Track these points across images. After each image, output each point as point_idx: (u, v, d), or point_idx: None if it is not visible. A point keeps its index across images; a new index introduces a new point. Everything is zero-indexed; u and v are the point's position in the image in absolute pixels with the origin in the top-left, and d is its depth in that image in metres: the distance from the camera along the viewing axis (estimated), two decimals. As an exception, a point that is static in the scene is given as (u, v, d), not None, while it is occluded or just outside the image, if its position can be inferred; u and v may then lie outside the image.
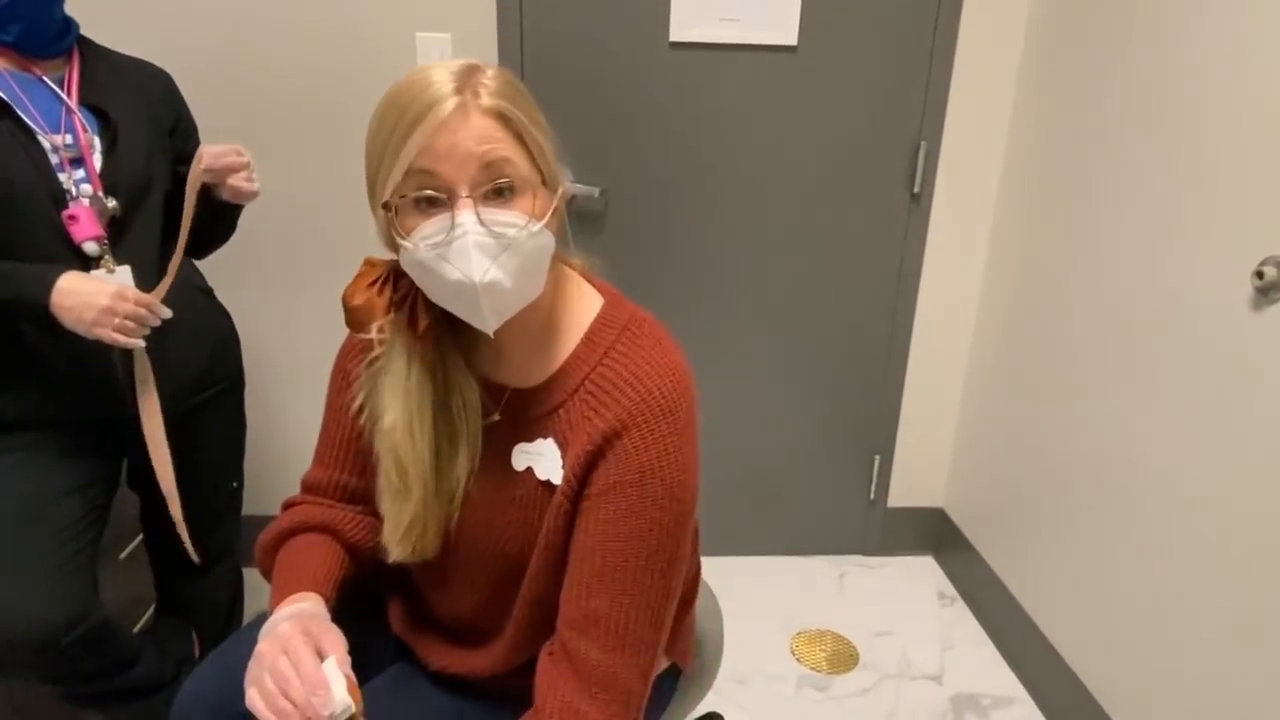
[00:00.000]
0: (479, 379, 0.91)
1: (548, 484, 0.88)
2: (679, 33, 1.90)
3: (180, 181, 1.34)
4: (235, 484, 1.58)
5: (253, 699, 0.78)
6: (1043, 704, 1.85)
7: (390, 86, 0.80)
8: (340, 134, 1.92)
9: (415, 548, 0.92)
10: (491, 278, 0.77)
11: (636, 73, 1.94)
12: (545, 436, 0.89)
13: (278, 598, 0.90)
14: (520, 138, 0.78)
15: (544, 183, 0.81)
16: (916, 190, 2.06)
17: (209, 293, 1.52)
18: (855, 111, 2.00)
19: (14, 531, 1.22)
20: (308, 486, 1.05)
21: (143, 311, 1.20)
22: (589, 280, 0.95)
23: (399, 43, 1.88)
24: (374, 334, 0.86)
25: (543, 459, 0.88)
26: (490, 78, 0.78)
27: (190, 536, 1.43)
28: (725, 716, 1.25)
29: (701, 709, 1.40)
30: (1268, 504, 1.27)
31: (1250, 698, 1.30)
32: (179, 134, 1.41)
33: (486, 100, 0.76)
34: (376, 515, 0.98)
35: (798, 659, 1.99)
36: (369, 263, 0.87)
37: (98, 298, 1.15)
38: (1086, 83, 1.74)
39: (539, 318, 0.88)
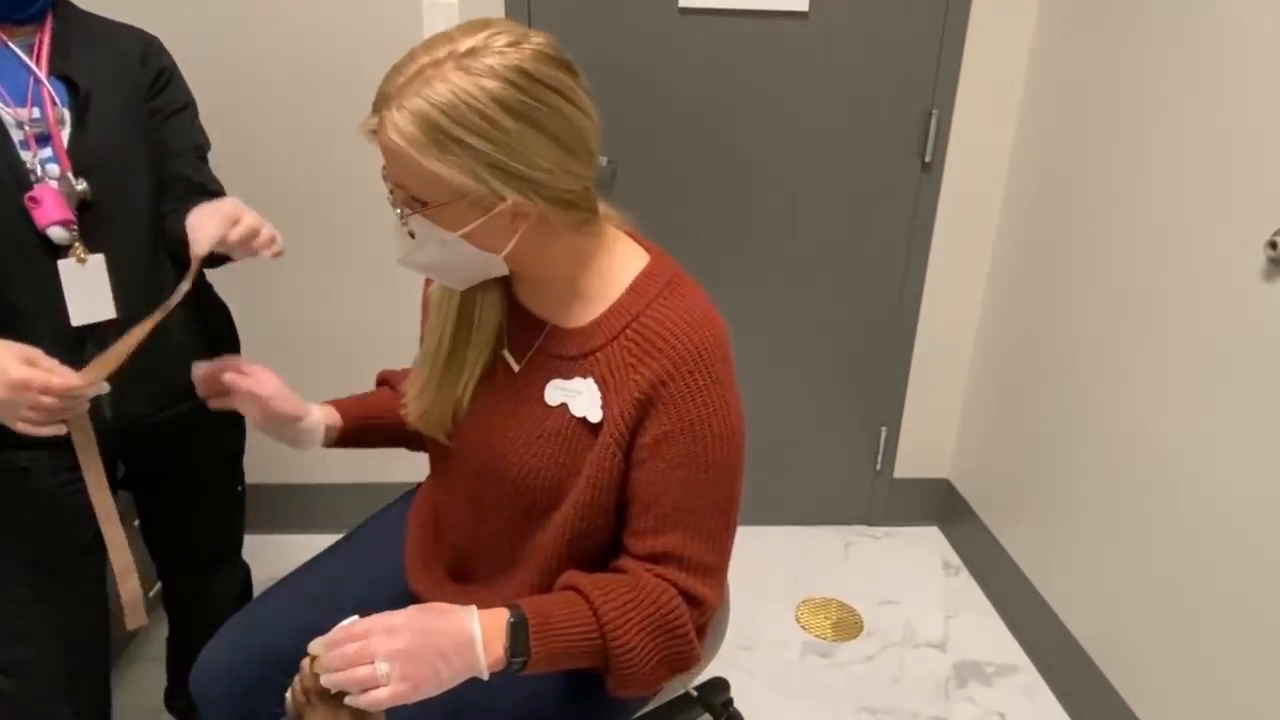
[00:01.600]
0: (518, 307, 0.98)
1: (584, 421, 0.92)
2: (688, -2, 1.88)
3: (161, 160, 1.21)
4: (240, 488, 1.48)
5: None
6: (1045, 672, 1.87)
7: None
8: (345, 99, 1.91)
9: (425, 418, 1.02)
10: (410, 261, 0.90)
11: (645, 39, 1.92)
12: (584, 376, 0.92)
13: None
14: (413, 169, 0.80)
15: (459, 198, 0.81)
16: (928, 159, 2.04)
17: (202, 290, 1.36)
18: (866, 79, 1.97)
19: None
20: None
21: (48, 400, 0.97)
22: (636, 238, 1.00)
23: (404, 7, 1.86)
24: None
25: (580, 396, 0.92)
26: (420, 99, 0.77)
27: (196, 539, 1.40)
28: (731, 683, 1.27)
29: (707, 674, 1.42)
30: (1275, 476, 1.27)
31: (1254, 666, 1.31)
32: (161, 97, 1.24)
33: (388, 129, 0.79)
34: None
35: (803, 626, 2.01)
36: None
37: (1, 387, 0.95)
38: (1100, 51, 1.71)
39: (575, 266, 0.93)
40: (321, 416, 1.12)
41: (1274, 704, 1.26)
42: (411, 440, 1.14)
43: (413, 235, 0.86)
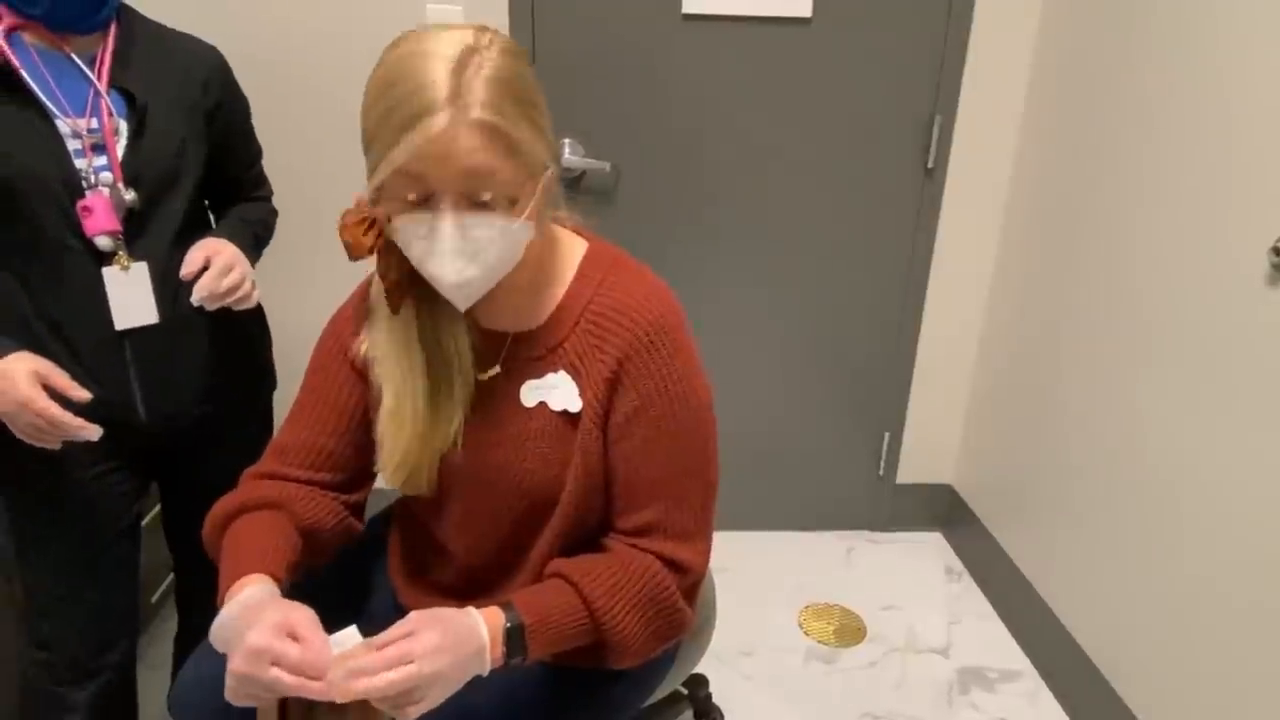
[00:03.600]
0: (476, 328, 0.96)
1: (564, 413, 0.93)
2: (692, 4, 1.88)
3: (213, 174, 1.29)
4: None
5: (239, 692, 0.77)
6: (1048, 677, 1.87)
7: (387, 54, 0.81)
8: (348, 110, 1.91)
9: (409, 479, 0.97)
10: (465, 277, 0.83)
11: (648, 45, 1.92)
12: (555, 370, 0.94)
13: (225, 582, 0.87)
14: (508, 146, 0.79)
15: (531, 176, 0.83)
16: (930, 165, 2.04)
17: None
18: (869, 85, 1.98)
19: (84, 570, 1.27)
20: (278, 449, 1.02)
21: (42, 423, 1.08)
22: (570, 227, 1.00)
23: (409, 16, 1.86)
24: (373, 293, 0.94)
25: (556, 391, 0.94)
26: (485, 77, 0.77)
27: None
28: (734, 688, 1.27)
29: (709, 675, 1.41)
30: (1277, 483, 1.27)
31: (1257, 671, 1.31)
32: (219, 121, 1.29)
33: (477, 113, 0.76)
34: (344, 489, 1.02)
35: (805, 632, 2.01)
36: (359, 202, 0.90)
37: (5, 403, 1.07)
38: (1103, 57, 1.72)
39: (525, 273, 0.92)
40: (265, 591, 0.86)
41: (1277, 710, 1.26)
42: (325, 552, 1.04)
43: (475, 239, 0.81)
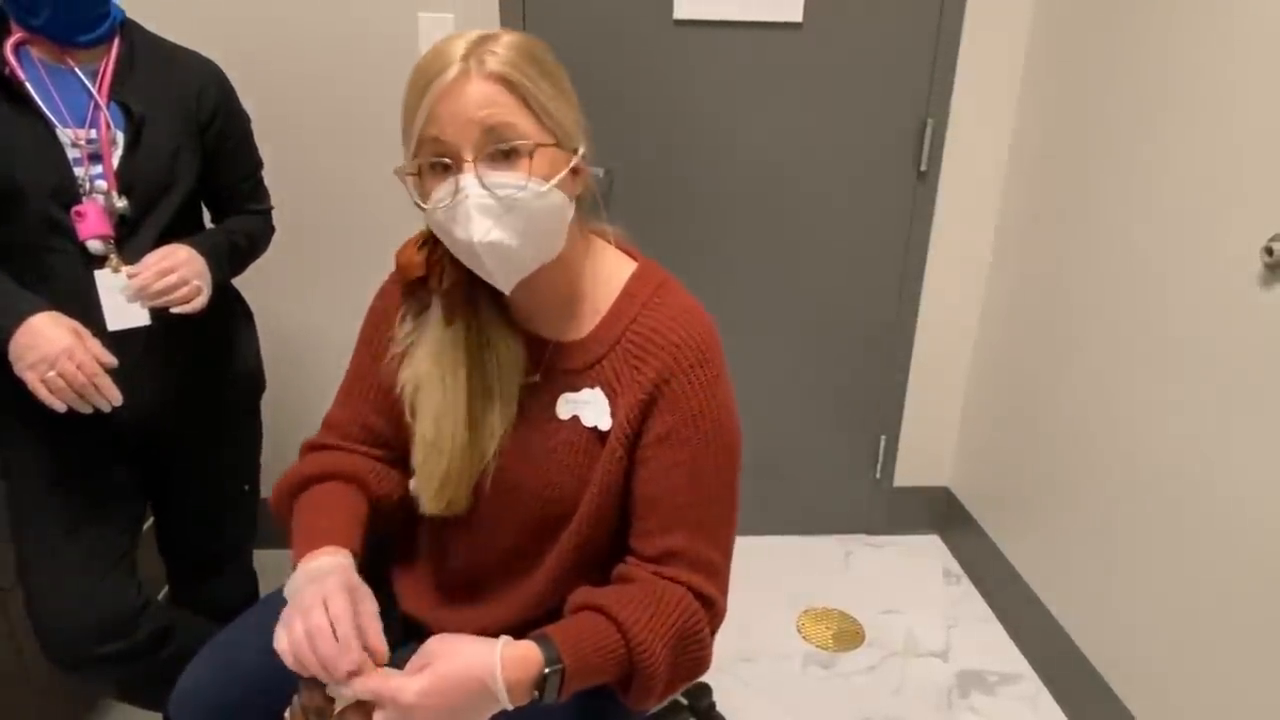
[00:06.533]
0: (521, 335, 0.95)
1: (595, 430, 0.93)
2: (683, 10, 1.89)
3: (208, 184, 1.33)
4: (246, 487, 1.53)
5: (279, 640, 0.80)
6: (1048, 680, 1.86)
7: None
8: (343, 115, 1.92)
9: (449, 501, 0.96)
10: (493, 238, 0.81)
11: (640, 50, 1.92)
12: (591, 386, 0.93)
13: (304, 547, 0.89)
14: (525, 101, 0.80)
15: (558, 143, 0.83)
16: (923, 168, 2.04)
17: (221, 290, 1.40)
18: (861, 89, 1.98)
19: (73, 539, 1.27)
20: (331, 425, 1.05)
21: (78, 376, 1.11)
22: (621, 247, 1.01)
23: (401, 23, 1.86)
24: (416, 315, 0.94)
25: (589, 406, 0.93)
26: (503, 45, 0.80)
27: (198, 537, 1.50)
28: (732, 695, 1.26)
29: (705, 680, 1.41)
30: (1274, 483, 1.27)
31: (1258, 672, 1.30)
32: (212, 133, 1.32)
33: (491, 65, 0.78)
34: (396, 465, 1.03)
35: (804, 637, 2.00)
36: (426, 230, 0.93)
37: (52, 346, 1.10)
38: (1094, 59, 1.72)
39: (570, 276, 0.93)
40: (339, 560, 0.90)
41: (1277, 712, 1.26)
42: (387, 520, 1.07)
43: (501, 197, 0.79)
